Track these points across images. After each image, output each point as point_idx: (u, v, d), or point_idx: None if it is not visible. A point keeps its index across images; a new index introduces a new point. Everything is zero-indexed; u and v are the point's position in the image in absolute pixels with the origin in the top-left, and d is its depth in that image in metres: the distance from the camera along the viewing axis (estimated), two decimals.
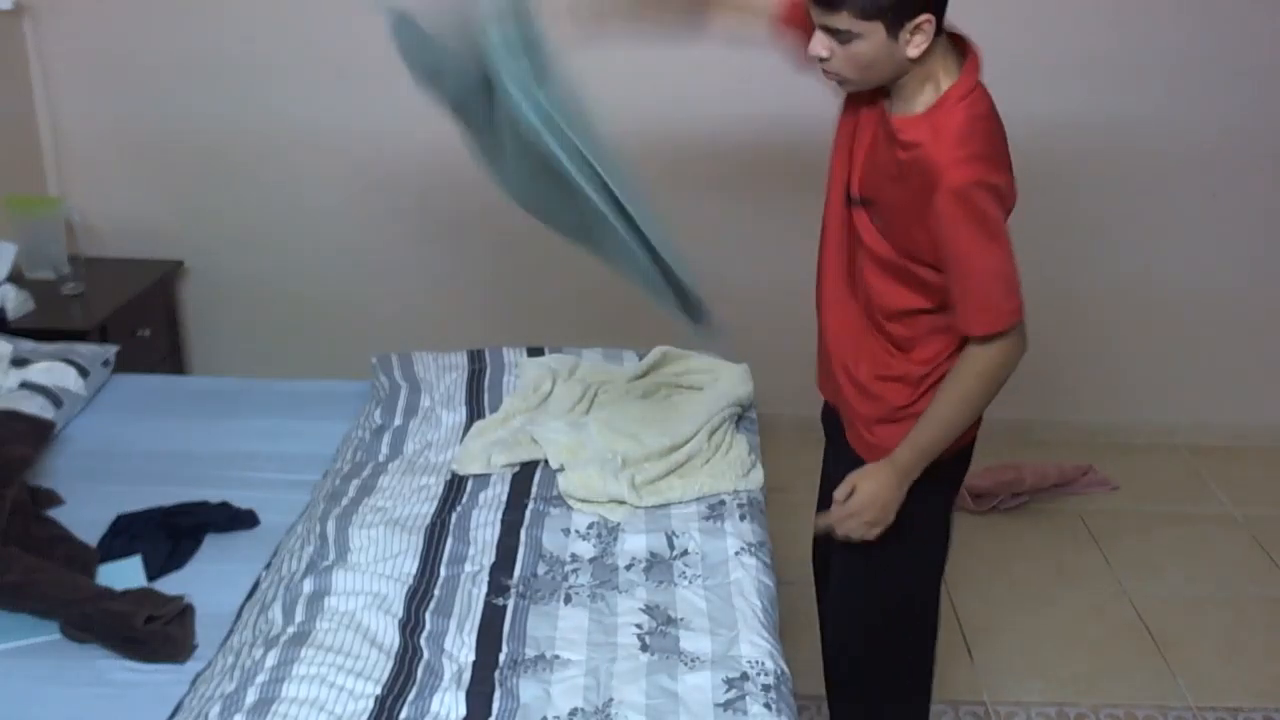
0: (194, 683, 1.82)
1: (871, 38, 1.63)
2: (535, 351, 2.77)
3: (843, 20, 1.63)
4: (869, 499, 1.83)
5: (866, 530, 1.85)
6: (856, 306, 1.90)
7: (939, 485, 1.92)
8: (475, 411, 2.56)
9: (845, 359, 1.94)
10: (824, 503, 2.18)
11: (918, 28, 1.62)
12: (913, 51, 1.65)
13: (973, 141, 1.67)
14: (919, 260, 1.75)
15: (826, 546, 2.22)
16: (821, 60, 1.69)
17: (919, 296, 1.79)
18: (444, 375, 2.69)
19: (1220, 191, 3.47)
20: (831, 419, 2.09)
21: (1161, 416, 3.76)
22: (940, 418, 1.79)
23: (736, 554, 2.07)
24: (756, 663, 1.79)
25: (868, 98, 1.80)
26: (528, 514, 2.21)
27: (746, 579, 2.00)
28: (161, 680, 1.82)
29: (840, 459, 2.03)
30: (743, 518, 2.20)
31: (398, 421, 2.53)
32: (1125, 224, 3.54)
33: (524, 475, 2.34)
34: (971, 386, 1.76)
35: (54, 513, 2.24)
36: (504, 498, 2.25)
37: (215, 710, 1.66)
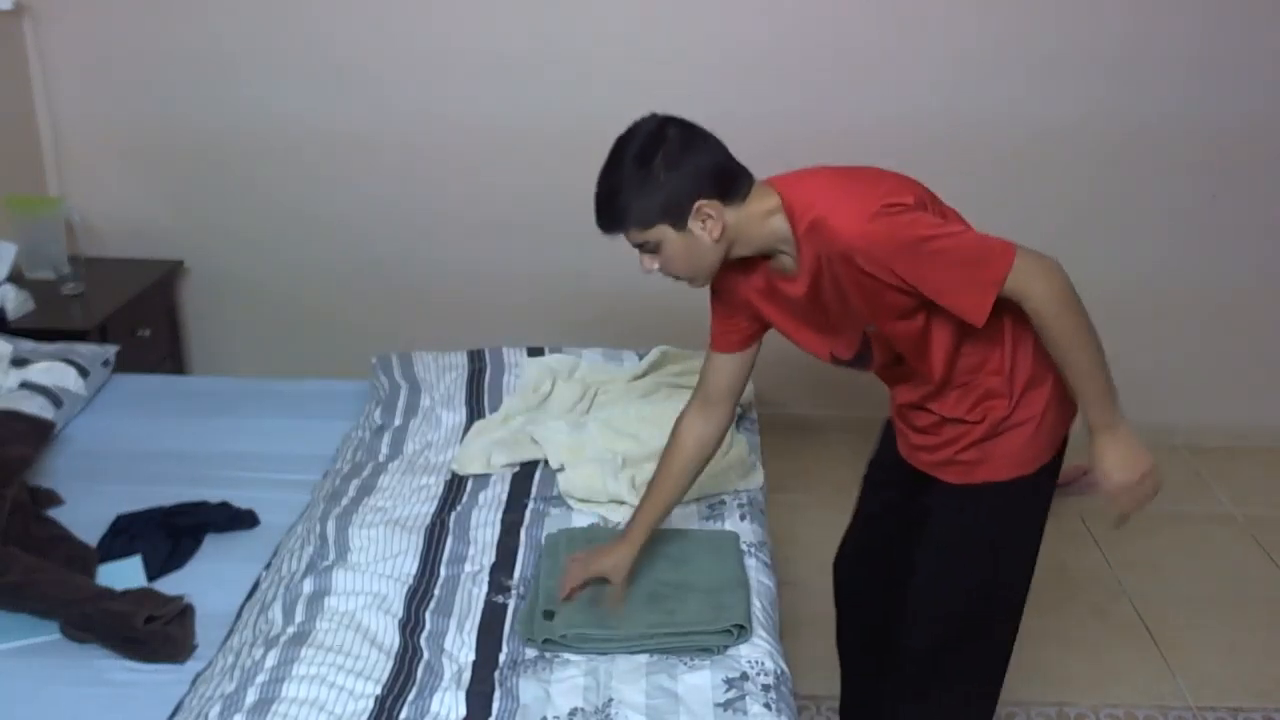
0: (194, 683, 1.82)
1: (668, 238, 1.69)
2: (535, 351, 2.77)
3: (634, 236, 1.70)
4: (1126, 469, 1.75)
5: (1153, 486, 1.77)
6: (916, 388, 1.87)
7: (1038, 490, 1.93)
8: (475, 411, 2.57)
9: (927, 422, 1.91)
10: (871, 522, 2.15)
11: (700, 213, 1.66)
12: (710, 235, 1.68)
13: (833, 197, 1.66)
14: (905, 315, 1.72)
15: (860, 551, 2.19)
16: (656, 272, 1.75)
17: (951, 335, 1.76)
18: (444, 375, 2.69)
19: (1220, 192, 3.47)
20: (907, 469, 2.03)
21: (1161, 416, 3.76)
22: (1082, 366, 1.73)
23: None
24: (756, 662, 1.79)
25: (750, 276, 1.81)
26: (528, 514, 2.21)
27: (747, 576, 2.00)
28: (161, 680, 1.82)
29: (938, 497, 1.95)
30: (743, 518, 2.20)
31: (398, 421, 2.53)
32: (1125, 224, 3.53)
33: (524, 475, 2.34)
34: (1066, 324, 1.69)
35: (54, 513, 2.24)
36: (504, 498, 2.25)
37: (215, 710, 1.66)
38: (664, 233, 1.68)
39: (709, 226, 1.68)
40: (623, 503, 2.20)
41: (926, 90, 3.28)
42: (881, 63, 3.28)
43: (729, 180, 1.69)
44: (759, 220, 1.70)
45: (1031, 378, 1.83)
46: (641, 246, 1.72)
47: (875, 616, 2.12)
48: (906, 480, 1.99)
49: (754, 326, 1.88)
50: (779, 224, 1.69)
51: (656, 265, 1.74)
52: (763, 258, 1.77)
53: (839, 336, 1.82)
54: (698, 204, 1.66)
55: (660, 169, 1.65)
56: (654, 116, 1.70)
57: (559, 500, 2.25)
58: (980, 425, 1.84)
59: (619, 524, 2.16)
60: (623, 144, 1.69)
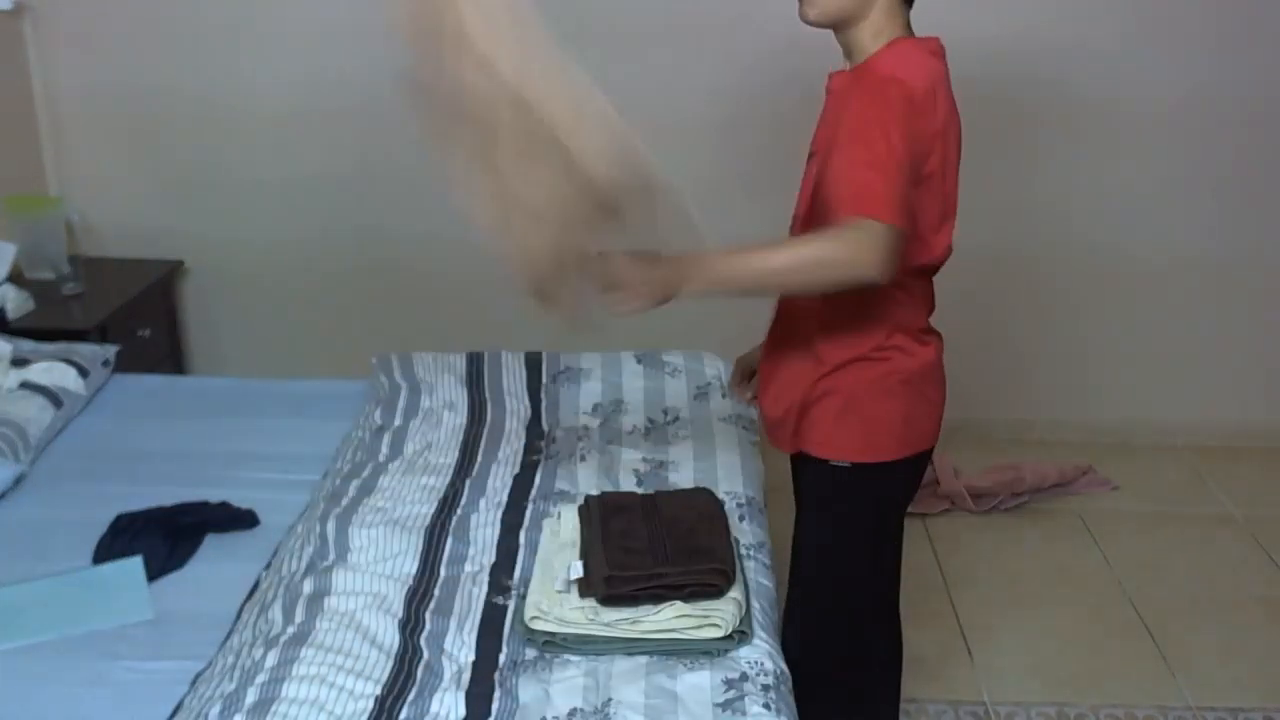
0: (194, 683, 1.82)
1: None
2: (533, 356, 2.77)
3: None
4: (646, 269, 1.68)
5: (620, 298, 1.69)
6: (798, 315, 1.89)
7: (848, 503, 1.92)
8: (476, 413, 2.56)
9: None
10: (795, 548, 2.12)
11: None
12: None
13: (908, 63, 1.69)
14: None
15: None
16: None
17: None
18: (444, 375, 2.69)
19: (1220, 189, 3.47)
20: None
21: (1161, 416, 3.76)
22: (771, 258, 1.68)
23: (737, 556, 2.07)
24: (756, 663, 1.79)
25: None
26: (528, 515, 2.20)
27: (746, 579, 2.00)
28: (161, 680, 1.82)
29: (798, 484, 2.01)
30: (742, 518, 2.20)
31: (398, 422, 2.53)
32: (1126, 223, 3.53)
33: (524, 476, 2.34)
34: (809, 252, 1.64)
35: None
36: (504, 498, 2.25)
37: (215, 710, 1.66)
38: None
39: None
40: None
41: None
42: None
43: None
44: (876, 28, 1.72)
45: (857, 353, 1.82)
46: None
47: None
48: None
49: None
50: (870, 33, 1.71)
51: None
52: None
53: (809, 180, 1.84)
54: None
55: None
56: None
57: (559, 500, 2.25)
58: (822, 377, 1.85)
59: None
60: None
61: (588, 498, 2.09)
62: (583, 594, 1.84)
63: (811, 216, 1.81)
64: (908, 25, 1.75)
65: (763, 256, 1.69)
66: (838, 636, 2.03)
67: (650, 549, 1.88)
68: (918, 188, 1.68)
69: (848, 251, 1.60)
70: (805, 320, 1.86)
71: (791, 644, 1.97)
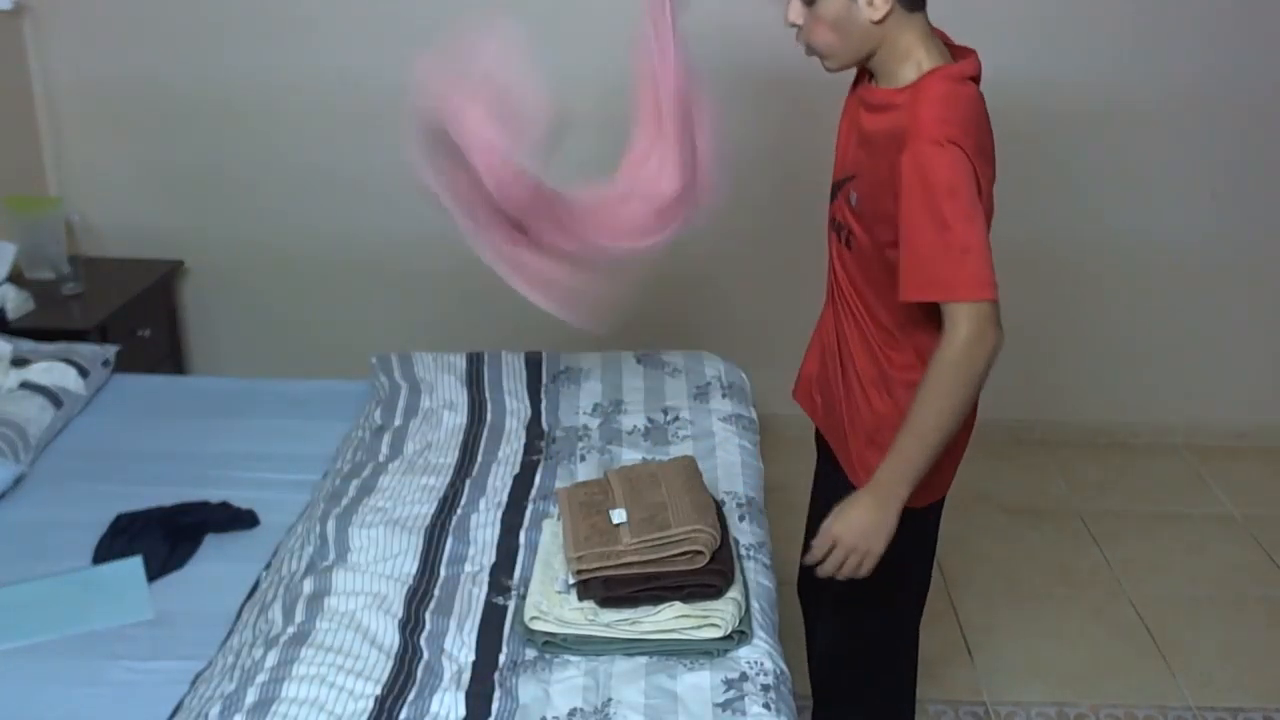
0: (194, 683, 1.82)
1: None
2: (533, 356, 2.77)
3: None
4: (856, 535, 1.69)
5: (856, 565, 1.71)
6: (851, 310, 1.85)
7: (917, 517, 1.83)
8: (476, 413, 2.56)
9: (837, 371, 1.91)
10: (812, 526, 2.10)
11: None
12: (875, 13, 1.64)
13: (955, 111, 1.63)
14: (891, 243, 1.68)
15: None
16: (797, 28, 1.71)
17: (894, 287, 1.69)
18: (444, 375, 2.69)
19: (1220, 191, 3.47)
20: (822, 441, 2.07)
21: (1161, 416, 3.76)
22: (914, 424, 1.65)
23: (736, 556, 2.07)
24: (756, 663, 1.79)
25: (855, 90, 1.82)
26: (527, 515, 2.20)
27: (746, 579, 2.00)
28: (161, 680, 1.82)
29: (831, 483, 1.97)
30: (742, 518, 2.20)
31: (398, 421, 2.53)
32: (1124, 224, 3.53)
33: (524, 476, 2.34)
34: (942, 380, 1.61)
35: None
36: (504, 499, 2.25)
37: (215, 710, 1.66)
38: None
39: (876, 5, 1.63)
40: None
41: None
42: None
43: None
44: (902, 52, 1.67)
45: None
46: None
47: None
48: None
49: None
50: (912, 72, 1.66)
51: (801, 20, 1.69)
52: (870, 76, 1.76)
53: (842, 180, 1.81)
54: None
55: None
56: None
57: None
58: (863, 417, 1.83)
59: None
60: None
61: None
62: (581, 596, 1.84)
63: (873, 254, 1.77)
64: (928, 32, 1.70)
65: (913, 436, 1.66)
66: (874, 632, 2.02)
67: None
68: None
69: (964, 358, 1.58)
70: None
71: (825, 638, 2.01)
